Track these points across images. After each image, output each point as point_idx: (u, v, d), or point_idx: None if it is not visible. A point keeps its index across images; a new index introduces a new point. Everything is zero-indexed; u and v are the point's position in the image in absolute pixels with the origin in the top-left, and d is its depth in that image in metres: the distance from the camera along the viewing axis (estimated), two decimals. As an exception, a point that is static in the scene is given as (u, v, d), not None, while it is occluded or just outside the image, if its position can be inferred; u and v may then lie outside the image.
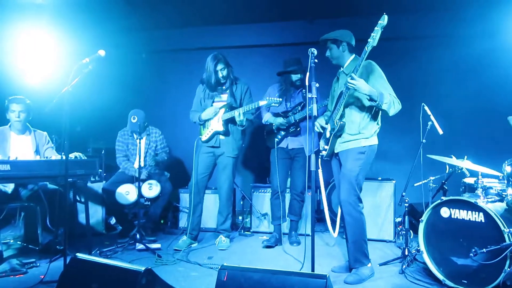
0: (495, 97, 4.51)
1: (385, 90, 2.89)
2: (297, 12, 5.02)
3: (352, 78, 2.76)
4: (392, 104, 2.85)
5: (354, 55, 3.08)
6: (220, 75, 3.81)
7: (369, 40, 2.64)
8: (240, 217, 4.79)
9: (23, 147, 3.73)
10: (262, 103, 3.66)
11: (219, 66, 3.79)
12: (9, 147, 3.67)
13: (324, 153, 3.15)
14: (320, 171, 2.96)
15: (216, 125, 3.87)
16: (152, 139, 4.53)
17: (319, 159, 3.10)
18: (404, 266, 3.15)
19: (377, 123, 3.06)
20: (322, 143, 3.19)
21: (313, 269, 2.59)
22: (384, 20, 2.58)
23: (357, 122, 2.98)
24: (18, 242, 3.94)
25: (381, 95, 2.80)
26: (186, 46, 5.57)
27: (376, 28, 2.61)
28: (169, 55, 5.68)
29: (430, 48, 4.78)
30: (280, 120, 3.93)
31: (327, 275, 1.93)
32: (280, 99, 3.67)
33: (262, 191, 4.54)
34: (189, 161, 5.28)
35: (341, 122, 2.97)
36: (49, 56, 4.87)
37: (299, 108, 3.92)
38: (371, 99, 2.82)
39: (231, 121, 3.86)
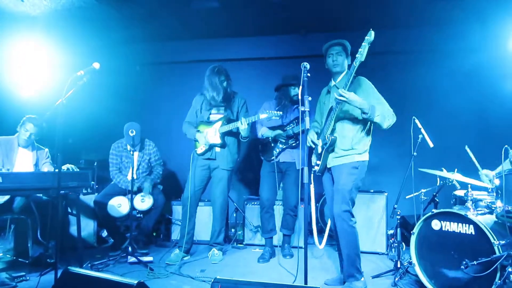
0: (485, 110, 4.61)
1: (378, 103, 2.91)
2: (291, 26, 5.10)
3: (343, 92, 2.79)
4: (385, 117, 2.87)
5: (346, 70, 3.11)
6: (222, 87, 3.85)
7: (357, 55, 2.69)
8: (233, 230, 4.78)
9: (25, 160, 3.83)
10: (262, 116, 3.68)
11: (222, 78, 3.85)
12: (15, 158, 3.76)
13: (316, 168, 3.15)
14: (312, 186, 2.98)
15: (213, 138, 3.87)
16: (146, 151, 4.53)
17: (312, 174, 3.12)
18: (396, 279, 3.16)
19: (370, 138, 3.09)
20: (314, 158, 3.20)
21: (306, 282, 2.59)
22: (370, 35, 2.63)
23: (350, 137, 2.99)
24: (8, 256, 3.88)
25: (373, 107, 2.83)
26: (180, 59, 5.62)
27: (363, 43, 2.66)
28: (164, 67, 5.72)
29: (421, 63, 4.87)
30: (277, 132, 3.95)
31: (320, 288, 1.94)
32: (281, 113, 3.71)
33: (255, 203, 4.53)
34: (182, 173, 5.30)
35: (333, 137, 2.98)
36: (43, 68, 4.87)
37: (295, 123, 3.95)
38: (363, 112, 2.84)
39: (228, 133, 3.87)
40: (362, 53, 2.67)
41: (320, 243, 3.11)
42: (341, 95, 2.78)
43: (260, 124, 4.12)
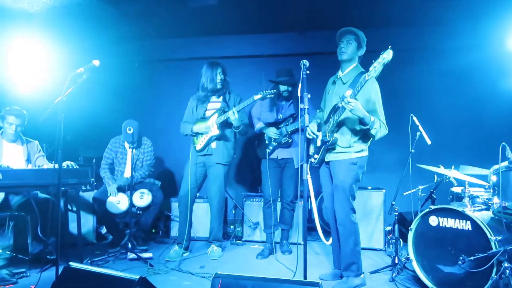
0: (482, 108, 4.64)
1: (376, 114, 2.92)
2: (289, 24, 5.10)
3: (349, 100, 2.73)
4: (379, 130, 2.90)
5: (356, 63, 3.06)
6: (218, 78, 3.88)
7: (370, 69, 2.62)
8: (232, 226, 4.80)
9: (14, 156, 3.71)
10: (257, 97, 3.68)
11: (218, 70, 3.89)
12: (1, 155, 3.65)
13: (313, 160, 3.16)
14: (309, 178, 2.92)
15: (212, 130, 3.89)
16: (142, 150, 4.52)
17: (308, 165, 3.11)
18: (394, 274, 3.20)
19: (367, 141, 3.07)
20: (312, 148, 3.19)
21: (305, 277, 2.62)
22: (388, 54, 2.52)
23: (349, 136, 3.00)
24: (7, 252, 3.88)
25: (373, 122, 2.85)
26: (179, 56, 5.61)
27: (379, 60, 2.58)
28: (162, 64, 5.71)
29: (419, 60, 4.88)
30: (272, 131, 3.97)
31: (320, 283, 1.96)
32: (275, 90, 3.74)
33: (254, 200, 4.56)
34: (180, 170, 5.27)
35: (333, 138, 2.98)
36: (42, 65, 4.85)
37: (291, 120, 3.97)
38: (362, 123, 2.86)
39: (225, 125, 3.88)
40: (377, 70, 2.60)
41: (326, 239, 3.13)
42: (348, 103, 2.73)
43: (257, 119, 4.15)
